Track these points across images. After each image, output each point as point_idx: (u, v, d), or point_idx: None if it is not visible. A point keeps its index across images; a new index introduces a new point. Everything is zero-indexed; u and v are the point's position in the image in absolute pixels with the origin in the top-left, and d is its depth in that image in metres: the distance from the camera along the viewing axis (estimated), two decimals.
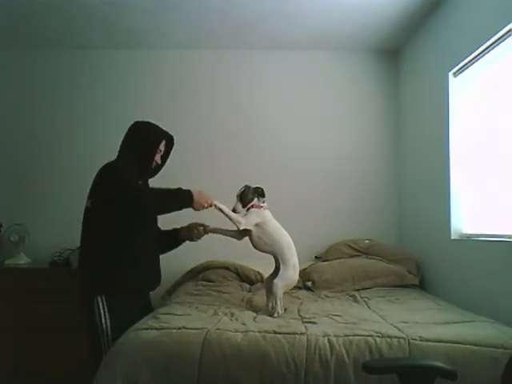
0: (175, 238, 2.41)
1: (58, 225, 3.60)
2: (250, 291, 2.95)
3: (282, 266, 2.23)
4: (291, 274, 2.23)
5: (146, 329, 1.86)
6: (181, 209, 2.12)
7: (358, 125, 3.77)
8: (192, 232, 2.36)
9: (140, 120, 2.31)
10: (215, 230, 2.35)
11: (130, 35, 3.50)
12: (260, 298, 2.61)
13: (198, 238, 2.38)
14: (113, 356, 1.79)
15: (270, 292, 2.23)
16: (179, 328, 1.85)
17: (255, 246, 2.28)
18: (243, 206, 2.24)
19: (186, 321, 1.95)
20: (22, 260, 3.44)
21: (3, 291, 3.10)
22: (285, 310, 2.23)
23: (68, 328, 3.01)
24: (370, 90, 3.78)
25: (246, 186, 2.28)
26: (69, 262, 3.29)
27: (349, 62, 3.80)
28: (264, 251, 2.29)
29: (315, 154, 3.72)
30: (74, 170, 3.65)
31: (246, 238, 2.32)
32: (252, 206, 2.26)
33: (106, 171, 2.13)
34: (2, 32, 3.47)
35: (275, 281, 2.19)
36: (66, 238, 3.44)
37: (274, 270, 2.29)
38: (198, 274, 3.22)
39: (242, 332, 1.83)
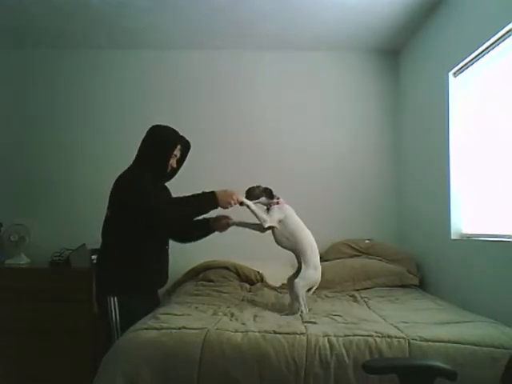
0: (205, 228, 2.45)
1: (58, 225, 3.61)
2: (250, 291, 2.95)
3: (303, 266, 2.23)
4: (311, 273, 2.23)
5: (146, 329, 1.86)
6: (208, 211, 2.19)
7: (358, 125, 3.76)
8: (219, 223, 2.40)
9: (158, 124, 2.36)
10: (238, 224, 2.37)
11: (130, 35, 3.50)
12: (260, 298, 2.61)
13: (224, 229, 2.42)
14: (113, 356, 1.79)
15: (292, 291, 2.24)
16: (179, 328, 1.85)
17: (277, 242, 2.29)
18: None
19: (186, 321, 1.95)
20: (22, 260, 3.43)
21: (3, 291, 3.09)
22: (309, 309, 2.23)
23: (68, 328, 3.02)
24: (370, 89, 3.78)
25: (256, 186, 2.31)
26: (69, 261, 3.28)
27: (349, 62, 3.79)
28: (285, 247, 2.30)
29: (315, 153, 3.71)
30: (73, 170, 3.65)
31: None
32: (269, 205, 2.29)
33: (123, 183, 2.19)
34: (2, 32, 3.46)
35: (296, 280, 2.20)
36: (65, 238, 3.46)
37: (297, 269, 2.29)
38: (198, 274, 3.22)
39: (241, 332, 1.83)
